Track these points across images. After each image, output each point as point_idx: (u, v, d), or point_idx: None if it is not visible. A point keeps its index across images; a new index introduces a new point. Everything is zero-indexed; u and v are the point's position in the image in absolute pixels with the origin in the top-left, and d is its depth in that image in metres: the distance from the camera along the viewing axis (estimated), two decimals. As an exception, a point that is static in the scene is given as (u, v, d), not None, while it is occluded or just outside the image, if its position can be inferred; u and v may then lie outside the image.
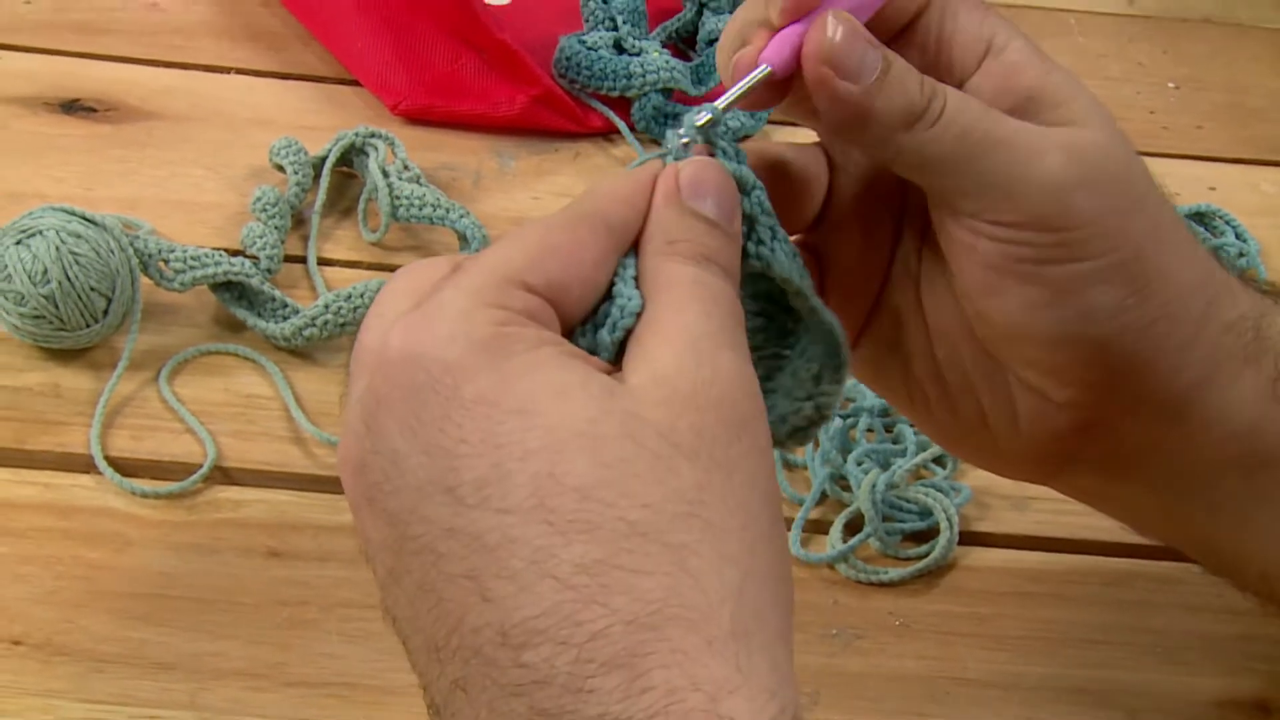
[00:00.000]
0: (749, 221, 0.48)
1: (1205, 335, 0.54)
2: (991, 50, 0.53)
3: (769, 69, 0.50)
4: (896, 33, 0.53)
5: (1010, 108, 0.52)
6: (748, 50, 0.50)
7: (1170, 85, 1.04)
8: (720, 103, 0.49)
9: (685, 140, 0.48)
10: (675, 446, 0.42)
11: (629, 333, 0.45)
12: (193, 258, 0.78)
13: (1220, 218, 0.91)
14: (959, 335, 0.56)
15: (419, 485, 0.42)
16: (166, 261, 0.78)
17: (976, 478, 0.76)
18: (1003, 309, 0.53)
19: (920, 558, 0.72)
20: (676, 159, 0.48)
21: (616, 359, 0.45)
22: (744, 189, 0.48)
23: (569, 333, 0.45)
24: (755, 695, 0.40)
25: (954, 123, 0.50)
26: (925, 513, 0.74)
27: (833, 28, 0.50)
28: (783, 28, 0.50)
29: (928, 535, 0.73)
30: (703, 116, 0.48)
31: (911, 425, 0.77)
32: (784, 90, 0.51)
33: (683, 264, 0.46)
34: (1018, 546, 0.75)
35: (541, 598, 0.40)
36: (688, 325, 0.44)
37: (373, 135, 0.86)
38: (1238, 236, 0.91)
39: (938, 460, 0.76)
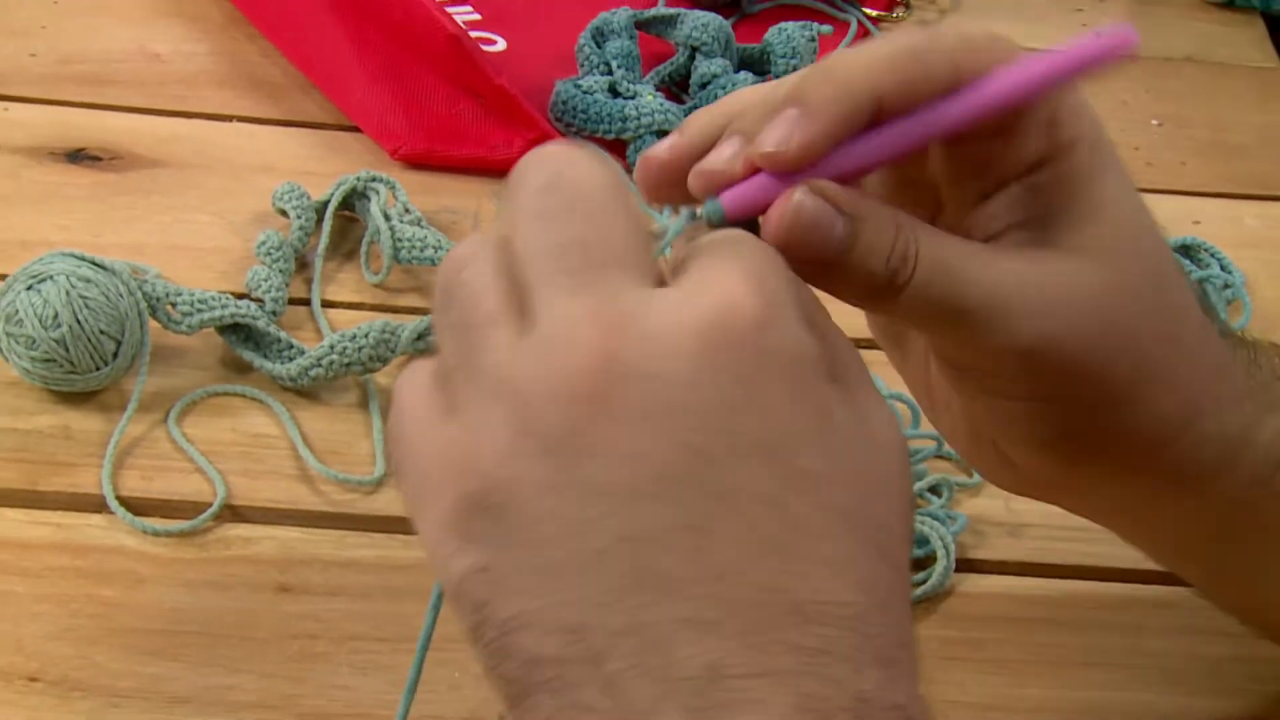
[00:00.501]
0: None
1: (1179, 450, 0.55)
2: (1053, 157, 0.51)
3: (720, 209, 0.49)
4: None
5: (1032, 220, 0.51)
6: (719, 171, 0.49)
7: (1154, 123, 1.06)
8: (680, 220, 0.49)
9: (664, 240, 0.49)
10: (904, 518, 0.46)
11: None
12: (200, 301, 0.79)
13: (1206, 250, 0.93)
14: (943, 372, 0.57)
15: (746, 442, 0.43)
16: (174, 305, 0.79)
17: (972, 506, 0.78)
18: (979, 406, 0.55)
19: (918, 585, 0.74)
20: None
21: None
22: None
23: None
24: None
25: (923, 291, 0.50)
26: (922, 541, 0.75)
27: (794, 209, 0.48)
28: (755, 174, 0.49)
29: (925, 563, 0.75)
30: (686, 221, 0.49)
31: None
32: None
33: None
34: (1014, 573, 0.76)
35: (845, 589, 0.43)
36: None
37: (374, 179, 0.88)
38: (1223, 269, 0.92)
39: (933, 489, 0.78)
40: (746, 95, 0.51)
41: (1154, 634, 0.73)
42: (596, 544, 0.42)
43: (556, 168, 0.46)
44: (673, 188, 0.51)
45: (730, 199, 0.49)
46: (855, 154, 0.49)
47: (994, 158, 0.51)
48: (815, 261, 0.48)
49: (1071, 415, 0.53)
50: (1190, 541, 0.61)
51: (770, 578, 0.42)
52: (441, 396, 0.45)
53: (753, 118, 0.50)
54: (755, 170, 0.49)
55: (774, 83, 0.51)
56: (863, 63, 0.48)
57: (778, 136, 0.48)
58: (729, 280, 0.44)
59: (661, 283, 0.45)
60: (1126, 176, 0.52)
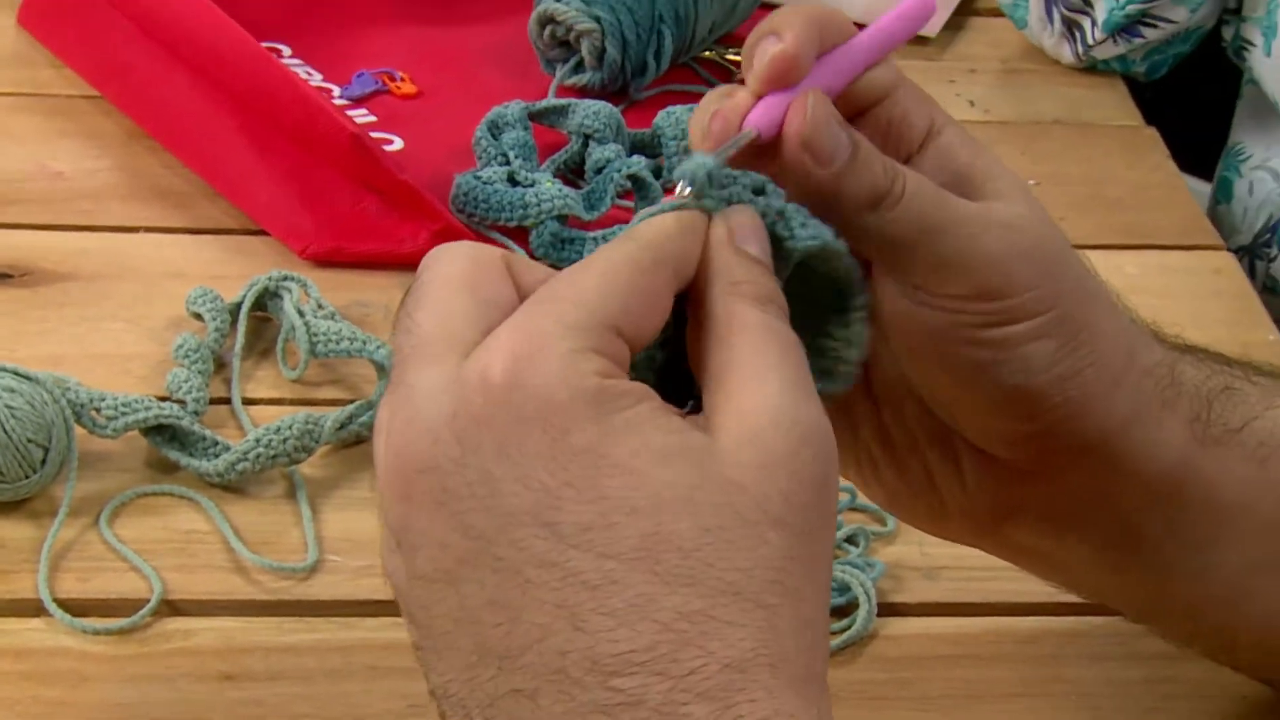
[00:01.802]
0: (782, 215, 0.53)
1: (1128, 380, 0.60)
2: (931, 133, 0.58)
3: (756, 133, 0.54)
4: (858, 113, 0.57)
5: (945, 184, 0.57)
6: (732, 104, 0.54)
7: (1032, 182, 1.10)
8: (712, 157, 0.53)
9: (691, 190, 0.52)
10: (765, 514, 0.46)
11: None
12: (123, 404, 0.81)
13: (1091, 299, 0.97)
14: (903, 399, 0.61)
15: (512, 512, 0.46)
16: (98, 410, 0.81)
17: (888, 554, 0.81)
18: (947, 372, 0.58)
19: (843, 631, 0.76)
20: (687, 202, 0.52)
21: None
22: (763, 191, 0.53)
23: None
24: None
25: (912, 205, 0.55)
26: (844, 589, 0.78)
27: (811, 112, 0.54)
28: (765, 96, 0.54)
29: (848, 610, 0.77)
30: (698, 170, 0.52)
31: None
32: (762, 152, 0.55)
33: (750, 306, 0.50)
34: (932, 614, 0.79)
35: (641, 635, 0.44)
36: (771, 371, 0.48)
37: (285, 278, 0.90)
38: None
39: (850, 539, 0.81)
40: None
41: (1070, 663, 0.76)
42: (444, 627, 0.47)
43: (421, 267, 0.51)
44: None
45: (755, 119, 0.54)
46: (818, 79, 0.55)
47: (887, 139, 0.57)
48: (828, 162, 0.54)
49: (1034, 341, 0.57)
50: (1131, 529, 0.63)
51: (566, 640, 0.45)
52: None
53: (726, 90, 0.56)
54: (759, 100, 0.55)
55: None
56: (795, 8, 0.56)
57: (775, 50, 0.54)
58: (490, 349, 0.47)
59: None
60: (986, 147, 0.60)
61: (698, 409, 0.51)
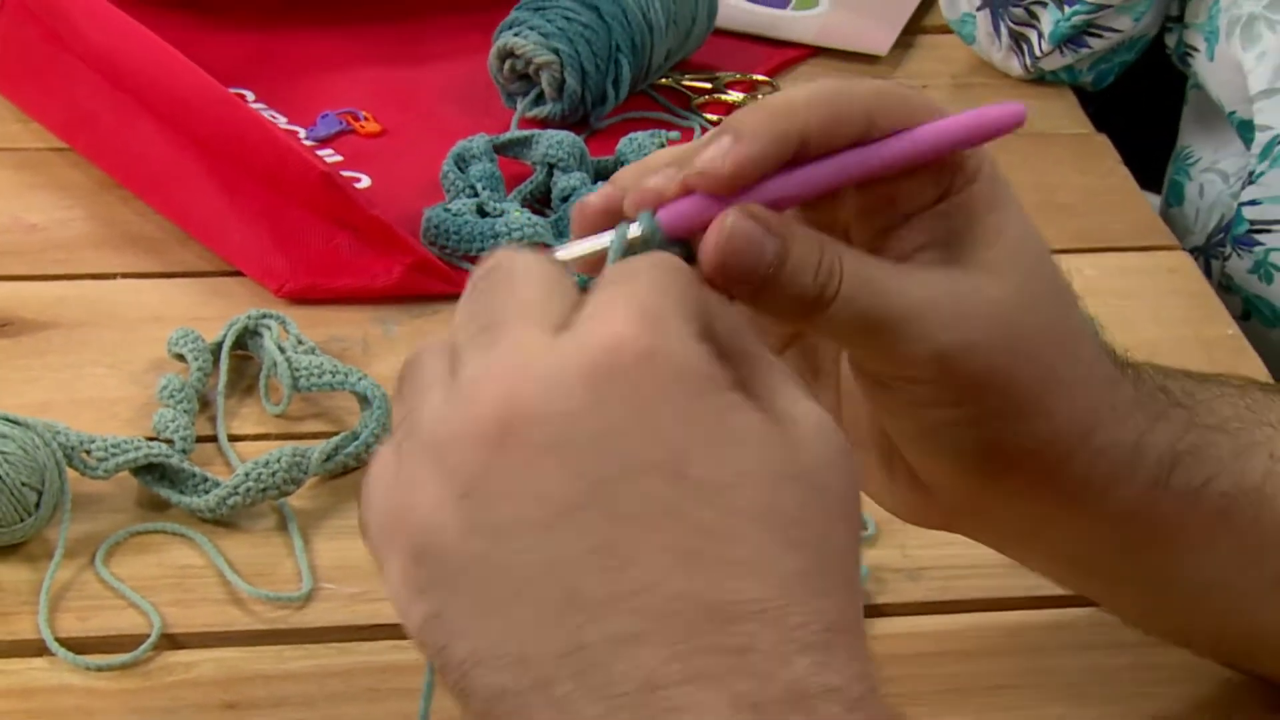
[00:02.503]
0: None
1: (1080, 461, 0.60)
2: (967, 176, 0.57)
3: (655, 224, 0.53)
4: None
5: (939, 243, 0.56)
6: (655, 187, 0.53)
7: (988, 193, 1.12)
8: (578, 248, 0.53)
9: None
10: (828, 508, 0.48)
11: None
12: (113, 446, 0.82)
13: (1053, 302, 0.99)
14: (859, 401, 0.62)
15: (641, 462, 0.46)
16: (89, 452, 0.82)
17: (870, 557, 0.82)
18: (896, 424, 0.60)
19: (831, 633, 0.78)
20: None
21: None
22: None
23: None
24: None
25: (849, 305, 0.55)
26: (829, 592, 0.79)
27: (728, 230, 0.52)
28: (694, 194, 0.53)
29: (835, 612, 0.79)
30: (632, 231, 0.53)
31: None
32: None
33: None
34: (916, 613, 0.80)
35: (759, 587, 0.46)
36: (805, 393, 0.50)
37: (264, 316, 0.92)
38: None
39: (833, 545, 0.82)
40: (670, 149, 0.56)
41: (1054, 654, 0.78)
42: (523, 576, 0.46)
43: (492, 262, 0.51)
44: (608, 221, 0.54)
45: (666, 215, 0.53)
46: (780, 186, 0.54)
47: (903, 196, 0.56)
48: (749, 279, 0.53)
49: (984, 424, 0.58)
50: (1092, 556, 0.66)
51: (684, 586, 0.46)
52: (394, 462, 0.50)
53: (687, 151, 0.54)
54: (689, 192, 0.53)
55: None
56: (789, 99, 0.54)
57: (712, 155, 0.53)
58: (614, 317, 0.48)
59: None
60: (1020, 206, 0.58)
61: None
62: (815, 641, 0.46)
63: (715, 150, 0.53)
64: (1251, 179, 1.09)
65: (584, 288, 0.50)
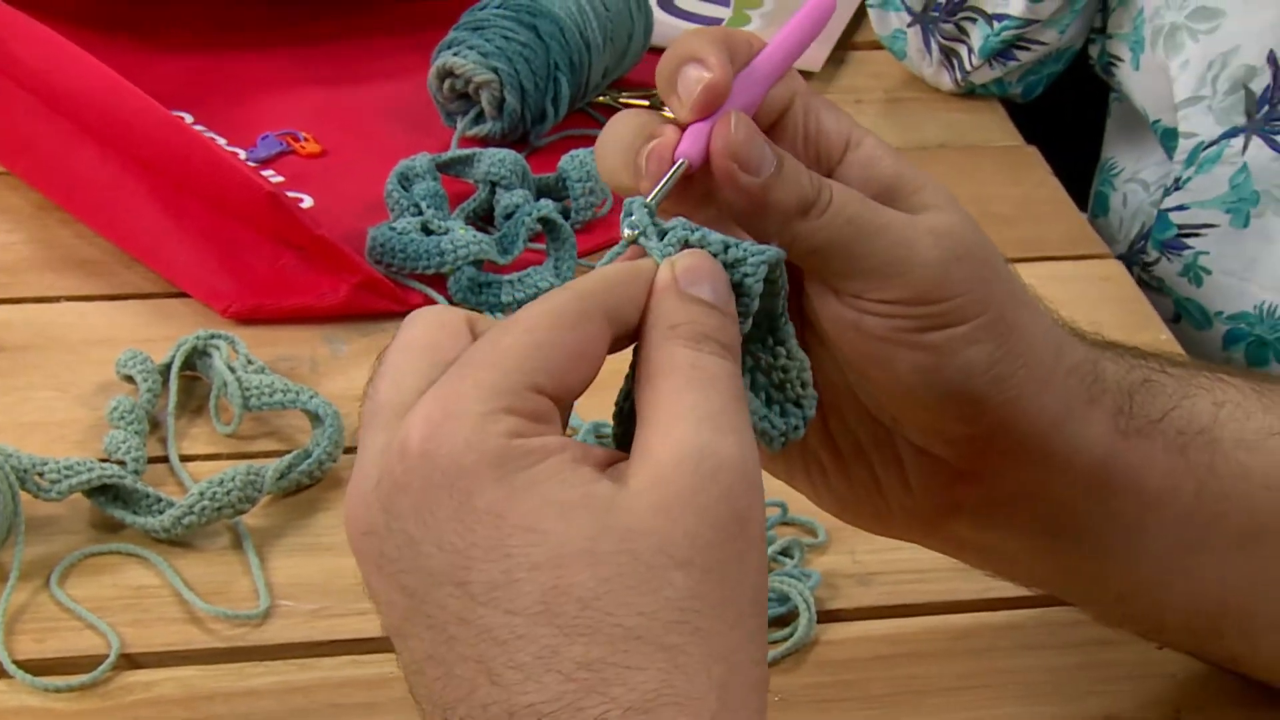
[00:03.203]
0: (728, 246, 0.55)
1: (1056, 379, 0.63)
2: (850, 145, 0.60)
3: (686, 162, 0.56)
4: (767, 130, 0.59)
5: (873, 195, 0.59)
6: (663, 141, 0.56)
7: (924, 204, 1.14)
8: (650, 197, 0.55)
9: (637, 233, 0.54)
10: (670, 557, 0.48)
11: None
12: (66, 468, 0.82)
13: (992, 310, 1.01)
14: (847, 407, 0.63)
15: (432, 571, 0.48)
16: (41, 474, 0.82)
17: (821, 563, 0.83)
18: (889, 376, 0.60)
19: (786, 639, 0.79)
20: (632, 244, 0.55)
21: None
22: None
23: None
24: None
25: (841, 211, 0.57)
26: (784, 599, 0.80)
27: (735, 126, 0.56)
28: (690, 124, 0.56)
29: (789, 618, 0.80)
30: (640, 211, 0.55)
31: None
32: (692, 183, 0.57)
33: (683, 347, 0.51)
34: (869, 617, 0.82)
35: (546, 687, 0.47)
36: (687, 411, 0.50)
37: (213, 337, 0.92)
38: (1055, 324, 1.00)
39: (784, 552, 0.83)
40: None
41: (1006, 654, 0.79)
42: (410, 672, 0.50)
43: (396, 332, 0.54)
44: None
45: (686, 149, 0.56)
46: (738, 102, 0.57)
47: (808, 154, 0.60)
48: (756, 172, 0.56)
49: (970, 346, 0.59)
50: (1067, 524, 0.66)
51: (486, 693, 0.47)
52: None
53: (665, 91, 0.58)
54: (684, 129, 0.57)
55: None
56: (702, 32, 0.57)
57: (699, 76, 0.56)
58: (413, 412, 0.49)
59: None
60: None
61: None
62: None
63: (695, 73, 0.56)
64: (1178, 185, 1.11)
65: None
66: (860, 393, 0.63)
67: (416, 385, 0.51)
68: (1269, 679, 0.73)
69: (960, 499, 0.65)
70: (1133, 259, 1.16)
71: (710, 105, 0.56)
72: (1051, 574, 0.70)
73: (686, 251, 0.54)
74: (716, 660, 0.48)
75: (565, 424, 0.51)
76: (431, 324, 0.53)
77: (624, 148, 0.57)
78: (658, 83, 0.58)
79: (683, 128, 0.57)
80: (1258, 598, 0.69)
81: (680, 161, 0.56)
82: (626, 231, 0.55)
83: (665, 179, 0.56)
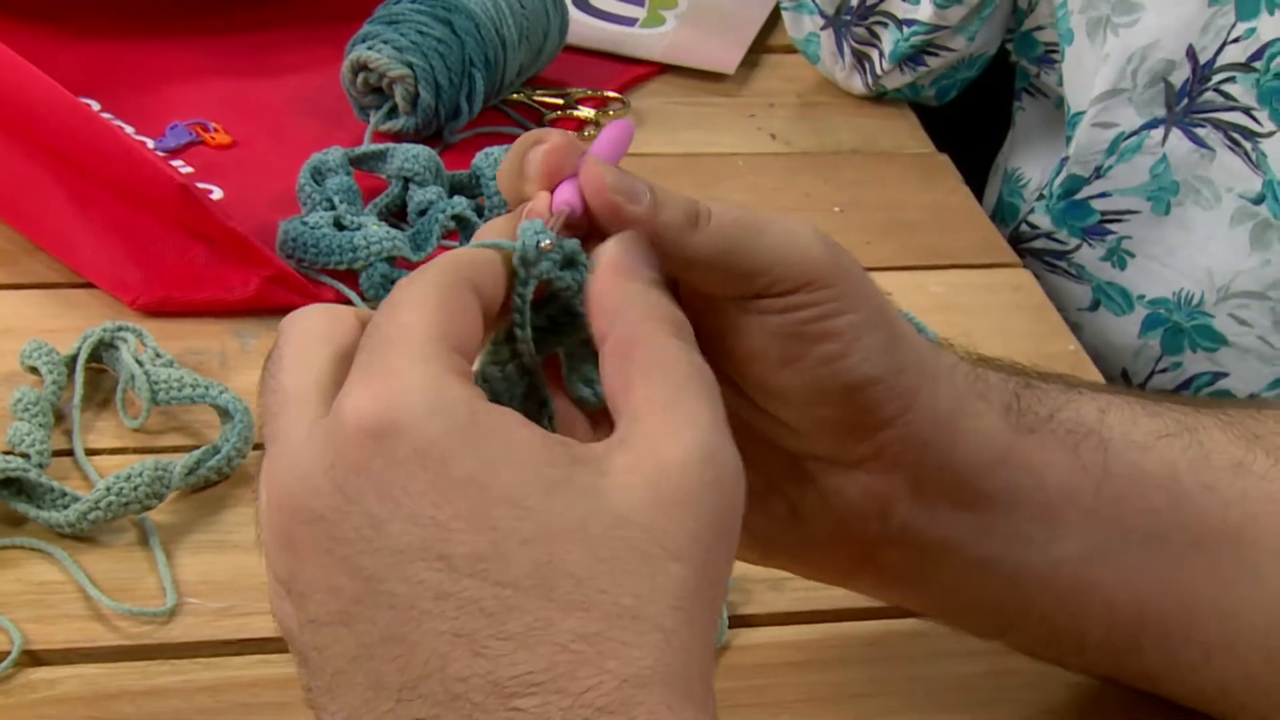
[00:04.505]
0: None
1: (943, 375, 0.64)
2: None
3: (569, 208, 0.56)
4: None
5: None
6: (536, 204, 0.56)
7: (835, 209, 1.14)
8: (545, 238, 0.55)
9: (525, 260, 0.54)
10: (664, 548, 0.48)
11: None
12: (-32, 460, 0.81)
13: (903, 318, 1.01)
14: (755, 446, 0.62)
15: (403, 549, 0.47)
16: (-57, 466, 0.80)
17: (734, 567, 0.83)
18: (799, 377, 0.61)
19: (698, 643, 0.79)
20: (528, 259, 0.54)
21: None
22: (574, 263, 0.55)
23: None
24: None
25: (724, 216, 0.58)
26: (695, 603, 0.80)
27: (599, 167, 0.56)
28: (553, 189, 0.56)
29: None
30: (527, 242, 0.55)
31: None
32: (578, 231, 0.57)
33: (671, 339, 0.52)
34: (780, 623, 0.82)
35: (540, 657, 0.46)
36: (697, 414, 0.50)
37: (121, 329, 0.90)
38: (919, 331, 1.01)
39: (697, 556, 0.83)
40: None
41: (915, 661, 0.80)
42: (340, 665, 0.49)
43: (279, 330, 0.54)
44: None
45: (563, 198, 0.56)
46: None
47: None
48: (635, 201, 0.56)
49: (861, 339, 0.60)
50: (981, 523, 0.67)
51: (465, 666, 0.47)
52: None
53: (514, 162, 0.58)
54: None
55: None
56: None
57: (547, 145, 0.56)
58: (356, 392, 0.49)
59: None
60: None
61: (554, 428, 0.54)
62: (612, 702, 0.46)
63: (540, 147, 0.56)
64: (1099, 173, 1.12)
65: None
66: (766, 426, 0.63)
67: (324, 372, 0.51)
68: (1182, 696, 0.73)
69: (883, 510, 0.65)
70: (1038, 252, 1.17)
71: (559, 167, 0.56)
72: (978, 600, 0.70)
73: (624, 234, 0.55)
74: (701, 649, 0.49)
75: None
76: (322, 316, 0.53)
77: (498, 233, 0.57)
78: (505, 186, 0.58)
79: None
80: (1170, 604, 0.69)
81: (564, 207, 0.56)
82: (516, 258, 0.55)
83: (555, 218, 0.56)
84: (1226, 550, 0.68)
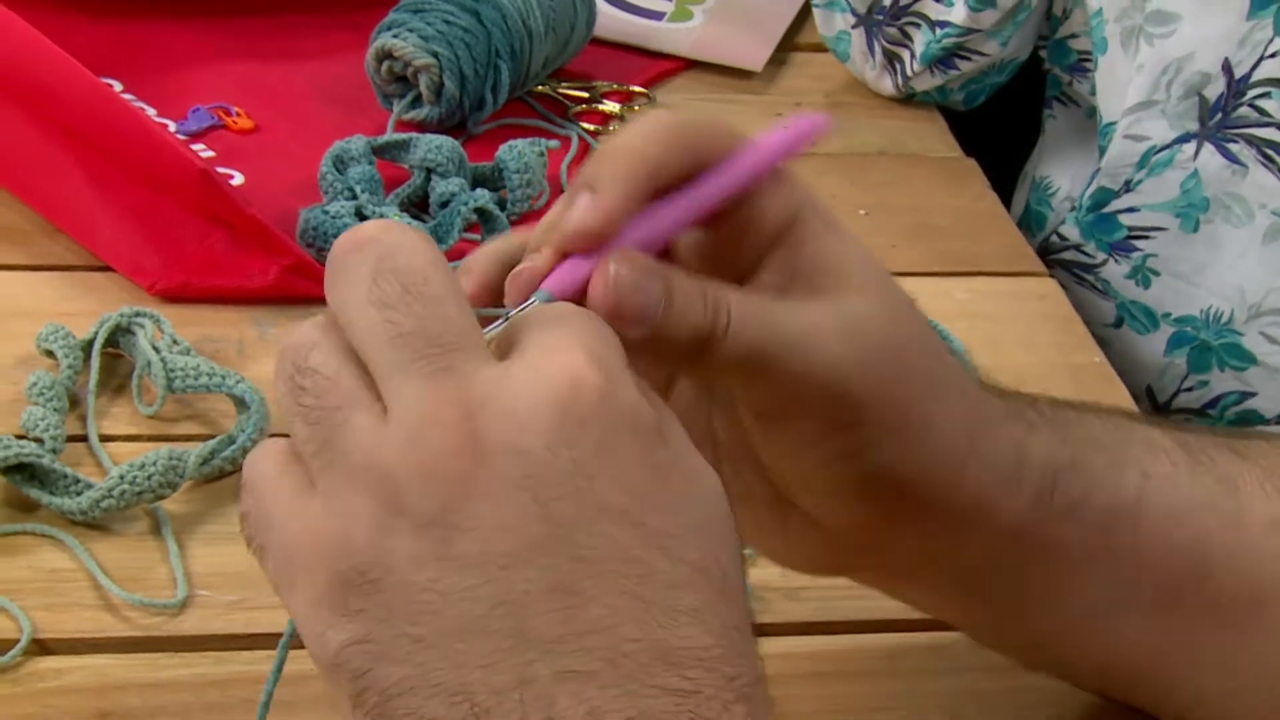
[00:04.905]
0: None
1: (970, 473, 0.61)
2: (789, 222, 0.57)
3: (549, 296, 0.52)
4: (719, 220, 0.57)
5: (791, 280, 0.57)
6: (532, 266, 0.53)
7: (861, 212, 1.13)
8: (491, 330, 0.51)
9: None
10: (738, 564, 0.50)
11: None
12: (-19, 444, 0.80)
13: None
14: (740, 460, 0.62)
15: (605, 506, 0.47)
16: (-46, 450, 0.79)
17: (750, 576, 0.82)
18: (794, 466, 0.60)
19: (713, 652, 0.78)
20: None
21: None
22: None
23: None
24: None
25: (740, 336, 0.55)
26: (712, 610, 0.79)
27: (613, 282, 0.52)
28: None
29: (716, 631, 0.79)
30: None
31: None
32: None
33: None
34: (797, 633, 0.81)
35: (706, 635, 0.47)
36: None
37: (138, 315, 0.89)
38: (943, 339, 1.00)
39: (715, 563, 0.82)
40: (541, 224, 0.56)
41: (932, 676, 0.79)
42: (476, 610, 0.46)
43: (381, 251, 0.49)
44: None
45: (552, 284, 0.53)
46: (645, 228, 0.54)
47: (742, 236, 0.58)
48: (643, 320, 0.53)
49: (876, 447, 0.59)
50: (981, 584, 0.66)
51: (638, 629, 0.46)
52: (298, 478, 0.49)
53: (552, 219, 0.54)
54: (565, 259, 0.53)
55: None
56: (629, 143, 0.55)
57: (579, 215, 0.53)
58: (569, 355, 0.48)
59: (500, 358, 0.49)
60: (846, 230, 0.59)
61: None
62: (748, 693, 0.48)
63: (581, 208, 0.53)
64: (1129, 187, 1.11)
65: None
66: (763, 462, 0.62)
67: (471, 314, 0.49)
68: None
69: (861, 563, 0.65)
70: (1067, 264, 1.16)
71: (582, 247, 0.53)
72: (965, 624, 0.70)
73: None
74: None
75: None
76: (429, 247, 0.50)
77: (496, 260, 0.55)
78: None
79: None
80: (1173, 658, 0.68)
81: (542, 293, 0.53)
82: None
83: (520, 309, 0.52)
84: (1243, 607, 0.67)
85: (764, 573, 0.82)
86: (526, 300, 0.53)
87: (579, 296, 0.53)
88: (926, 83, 1.24)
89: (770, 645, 0.78)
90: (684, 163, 0.55)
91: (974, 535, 0.63)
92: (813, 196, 0.59)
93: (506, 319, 0.51)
